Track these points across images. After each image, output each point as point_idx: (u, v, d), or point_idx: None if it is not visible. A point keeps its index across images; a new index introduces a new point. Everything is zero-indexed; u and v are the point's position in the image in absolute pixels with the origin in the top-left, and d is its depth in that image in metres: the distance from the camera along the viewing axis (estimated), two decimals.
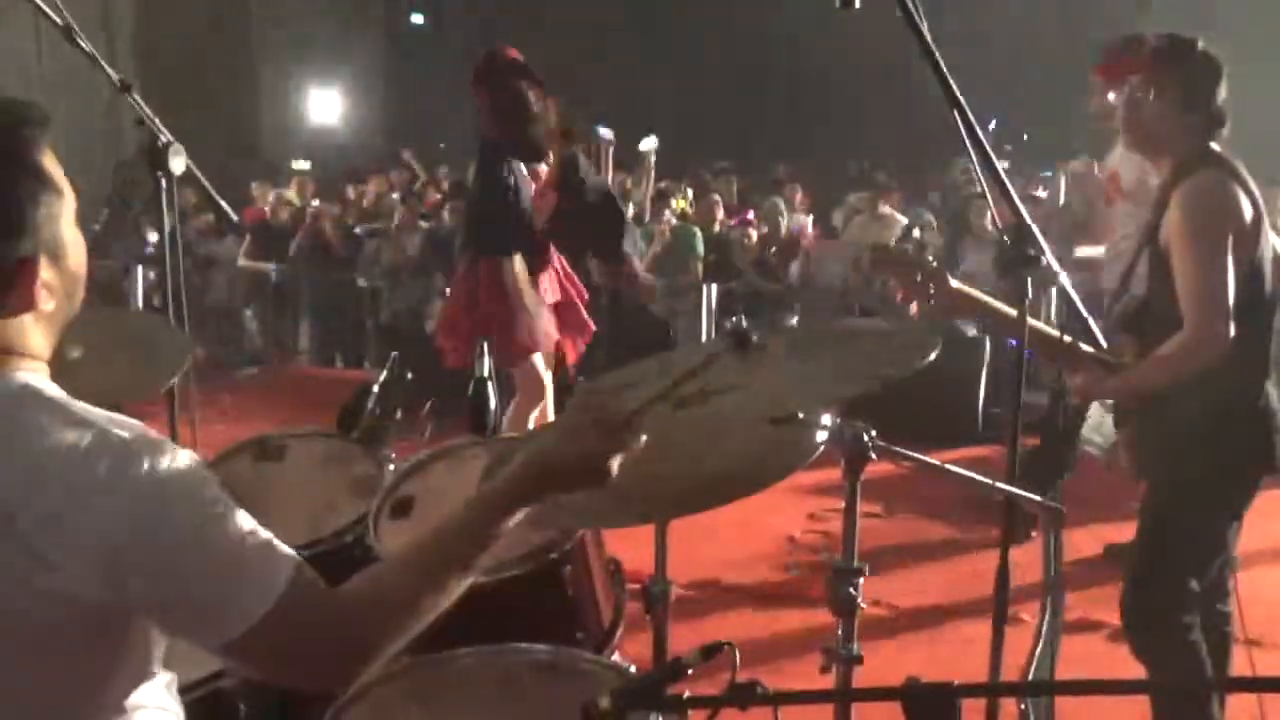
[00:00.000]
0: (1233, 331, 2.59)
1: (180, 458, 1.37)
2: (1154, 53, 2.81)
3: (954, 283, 2.67)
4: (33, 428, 1.34)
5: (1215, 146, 2.76)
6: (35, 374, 1.43)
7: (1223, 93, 2.78)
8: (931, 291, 2.63)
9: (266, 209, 10.00)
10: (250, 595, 1.36)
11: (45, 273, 1.42)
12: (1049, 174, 10.01)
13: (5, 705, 1.36)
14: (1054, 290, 2.56)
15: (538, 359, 4.86)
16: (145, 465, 1.33)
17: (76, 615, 1.33)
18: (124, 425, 1.37)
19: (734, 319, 2.05)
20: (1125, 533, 5.21)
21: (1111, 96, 2.89)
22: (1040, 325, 2.61)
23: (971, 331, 7.46)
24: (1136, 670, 2.99)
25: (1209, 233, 2.62)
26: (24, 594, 1.31)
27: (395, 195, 10.56)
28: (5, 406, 1.36)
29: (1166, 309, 2.67)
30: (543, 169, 4.91)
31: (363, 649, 1.44)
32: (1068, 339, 2.65)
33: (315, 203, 10.00)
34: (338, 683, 1.52)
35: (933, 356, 1.82)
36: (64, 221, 1.45)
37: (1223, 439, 2.71)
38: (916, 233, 8.55)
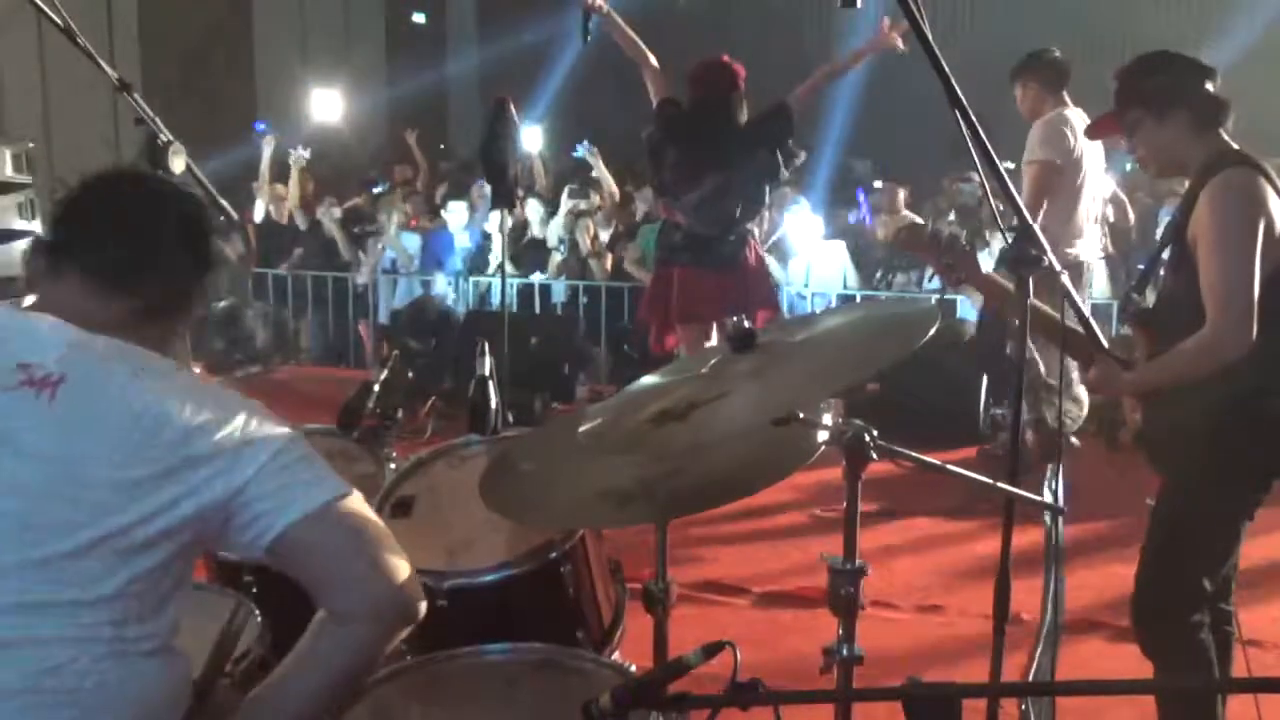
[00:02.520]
0: (1255, 331, 2.58)
1: None
2: (1119, 92, 2.83)
3: (982, 267, 2.67)
4: (151, 364, 1.56)
5: (1235, 144, 2.76)
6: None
7: (1209, 83, 2.78)
8: (960, 274, 2.63)
9: (267, 208, 9.97)
10: (328, 483, 1.57)
11: None
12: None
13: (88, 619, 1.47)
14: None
15: None
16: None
17: (181, 523, 1.50)
18: None
19: (734, 319, 2.05)
20: (1126, 531, 5.22)
21: (1125, 145, 2.92)
22: (1055, 315, 2.61)
23: (972, 331, 7.46)
24: (1136, 670, 2.98)
25: (1237, 230, 2.60)
26: (159, 505, 1.48)
27: (397, 192, 10.54)
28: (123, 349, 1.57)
29: (1188, 306, 2.66)
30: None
31: (396, 584, 1.62)
32: (1081, 331, 2.64)
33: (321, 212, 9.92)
34: (361, 606, 1.61)
35: (932, 332, 1.82)
36: None
37: (1242, 439, 2.70)
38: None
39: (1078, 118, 5.48)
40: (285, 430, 1.59)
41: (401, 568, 1.63)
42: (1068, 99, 5.57)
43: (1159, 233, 8.01)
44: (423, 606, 1.65)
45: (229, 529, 1.55)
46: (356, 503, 1.60)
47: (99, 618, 1.47)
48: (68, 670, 1.45)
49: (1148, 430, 2.89)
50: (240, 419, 1.55)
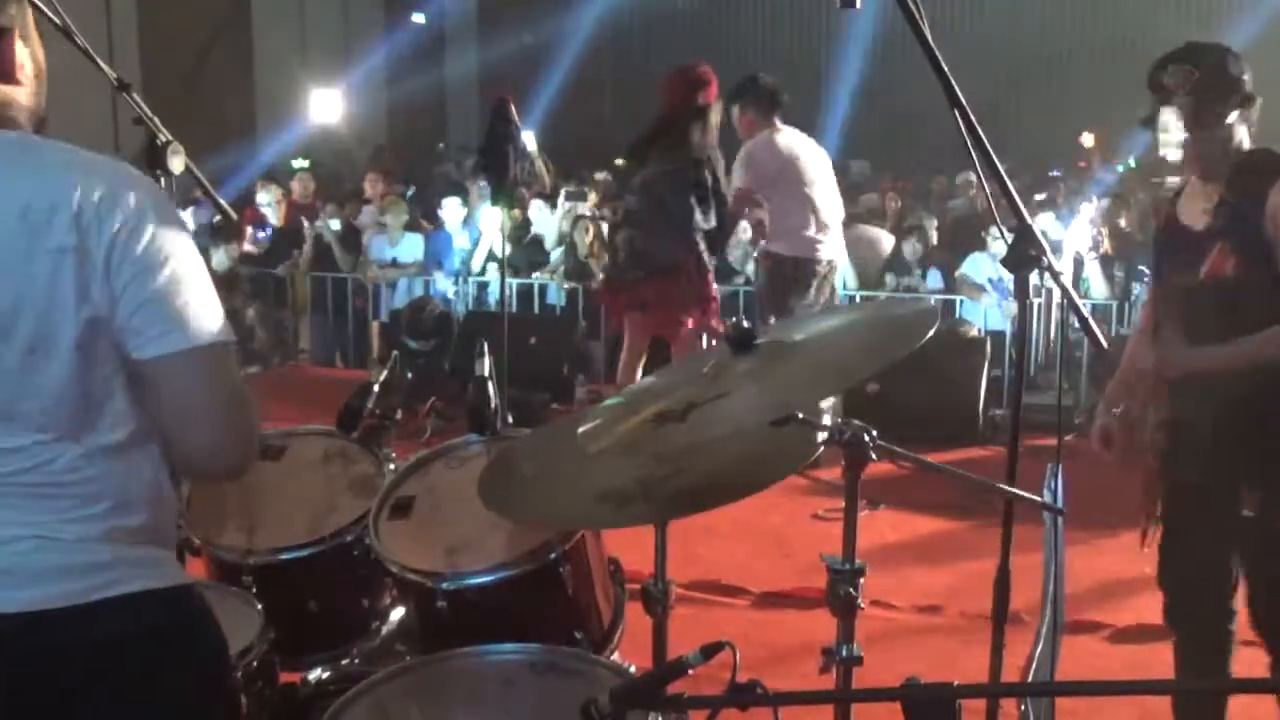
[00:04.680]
0: None
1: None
2: (1211, 83, 2.76)
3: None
4: (46, 151, 1.54)
5: None
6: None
7: (1241, 76, 2.78)
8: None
9: (261, 209, 9.94)
10: (217, 322, 1.56)
11: (21, 52, 1.60)
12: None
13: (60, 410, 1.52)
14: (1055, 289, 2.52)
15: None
16: (149, 185, 1.57)
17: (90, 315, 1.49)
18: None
19: (733, 319, 2.05)
20: (1125, 531, 5.21)
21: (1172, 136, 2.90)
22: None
23: (972, 332, 7.46)
24: (1136, 670, 2.99)
25: None
26: (68, 288, 1.47)
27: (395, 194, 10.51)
28: (13, 142, 1.54)
29: (1265, 292, 2.67)
30: None
31: (249, 438, 1.65)
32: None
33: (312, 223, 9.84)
34: (216, 452, 1.63)
35: (931, 333, 1.82)
36: (30, 20, 1.64)
37: None
38: (910, 247, 8.54)
39: (788, 137, 6.20)
40: (181, 242, 1.55)
41: (246, 434, 1.64)
42: (778, 122, 6.21)
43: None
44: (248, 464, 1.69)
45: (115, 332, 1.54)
46: (227, 358, 1.59)
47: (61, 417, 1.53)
48: (45, 469, 1.53)
49: (1187, 432, 2.86)
50: (128, 208, 1.50)
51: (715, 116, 5.77)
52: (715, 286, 6.01)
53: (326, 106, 14.68)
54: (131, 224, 1.49)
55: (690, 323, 5.83)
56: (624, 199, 5.97)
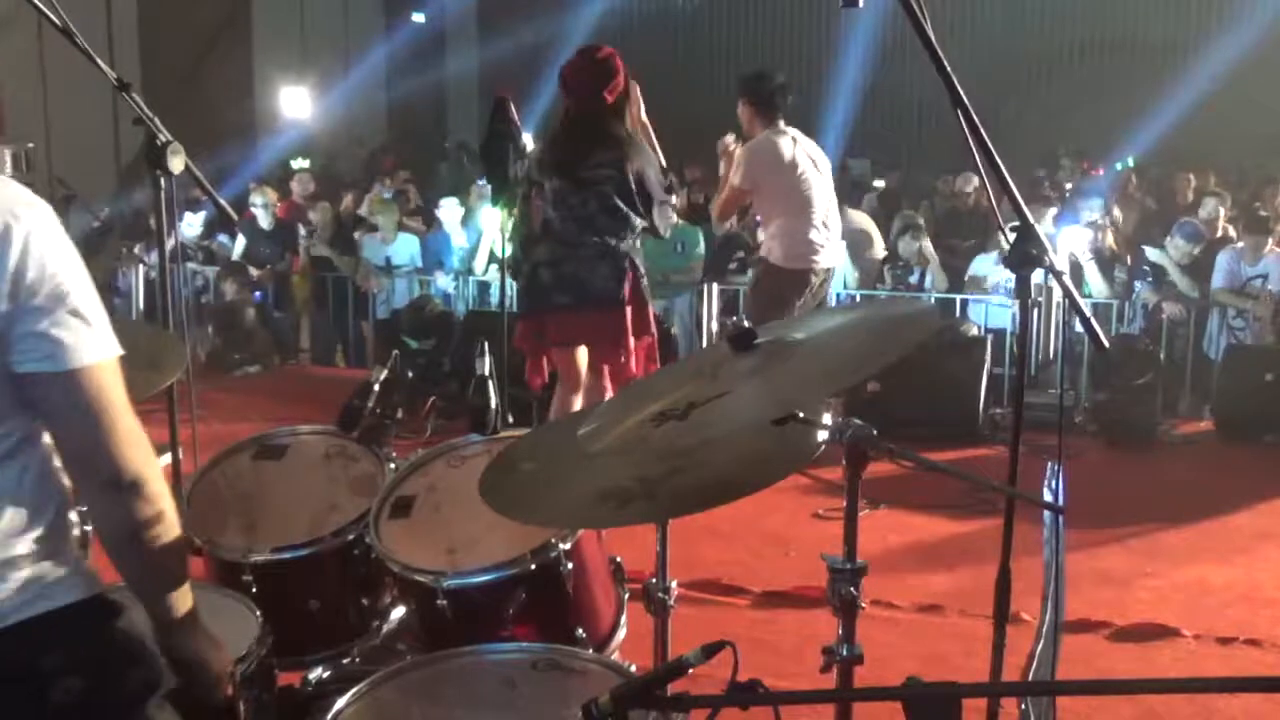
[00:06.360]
0: None
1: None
2: None
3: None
4: None
5: None
6: None
7: None
8: None
9: (255, 211, 9.92)
10: (95, 343, 1.55)
11: None
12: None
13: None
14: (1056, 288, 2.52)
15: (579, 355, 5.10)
16: (47, 216, 1.55)
17: None
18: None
19: (734, 318, 2.05)
20: (1126, 531, 5.22)
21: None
22: None
23: (972, 332, 7.46)
24: (1136, 670, 2.98)
25: None
26: None
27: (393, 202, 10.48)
28: None
29: None
30: None
31: (126, 471, 1.57)
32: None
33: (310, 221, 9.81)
34: (87, 475, 1.59)
35: (932, 331, 1.82)
36: None
37: None
38: (904, 244, 8.49)
39: (790, 138, 6.01)
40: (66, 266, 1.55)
41: (116, 452, 1.57)
42: (781, 123, 6.03)
43: (1173, 234, 7.98)
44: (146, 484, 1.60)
45: None
46: (110, 374, 1.57)
47: None
48: None
49: None
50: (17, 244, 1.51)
51: (636, 107, 5.01)
52: (655, 323, 5.21)
53: (324, 106, 14.69)
54: (19, 256, 1.50)
55: (631, 362, 5.00)
56: (535, 204, 4.96)
